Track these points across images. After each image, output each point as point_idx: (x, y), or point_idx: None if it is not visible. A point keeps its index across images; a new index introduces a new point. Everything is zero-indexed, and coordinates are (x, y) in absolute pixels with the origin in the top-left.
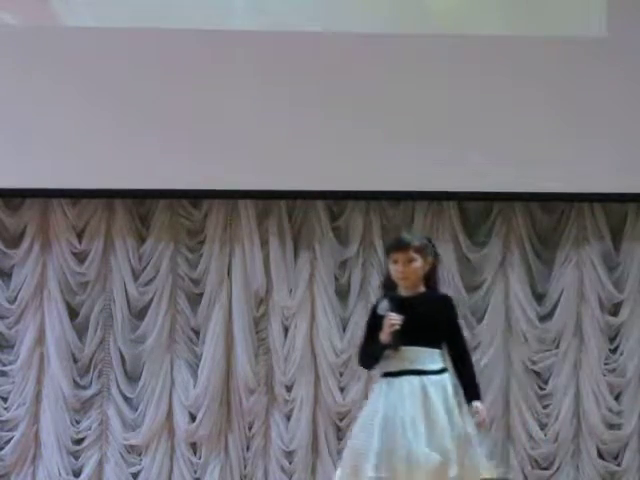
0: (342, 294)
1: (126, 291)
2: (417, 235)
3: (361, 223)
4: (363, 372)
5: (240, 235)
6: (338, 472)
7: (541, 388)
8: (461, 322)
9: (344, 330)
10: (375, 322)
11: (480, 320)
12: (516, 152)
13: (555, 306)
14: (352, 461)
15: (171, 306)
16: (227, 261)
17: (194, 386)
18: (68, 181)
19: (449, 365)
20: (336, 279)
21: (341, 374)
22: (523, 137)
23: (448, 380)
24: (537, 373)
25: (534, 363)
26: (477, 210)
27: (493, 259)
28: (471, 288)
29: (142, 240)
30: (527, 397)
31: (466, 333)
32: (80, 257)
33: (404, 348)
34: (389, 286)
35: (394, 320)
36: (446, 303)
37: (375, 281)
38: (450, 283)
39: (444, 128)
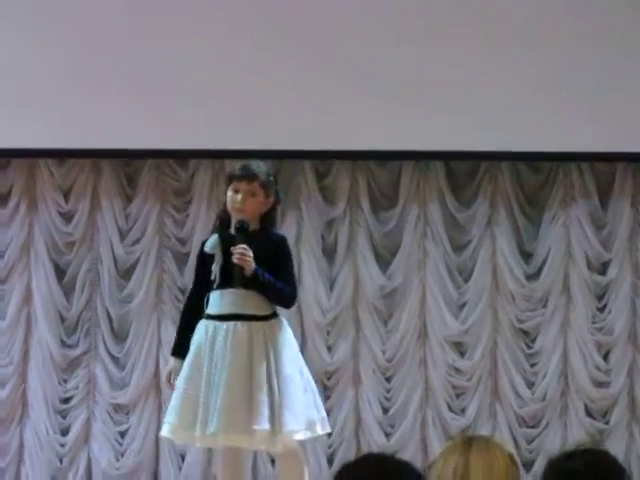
0: (329, 253)
1: (113, 251)
2: (264, 168)
3: (348, 183)
4: (351, 330)
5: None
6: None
7: (529, 347)
8: (294, 266)
9: (331, 289)
10: (202, 262)
11: (467, 279)
12: (503, 111)
13: (542, 265)
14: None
15: (158, 266)
16: (213, 221)
17: None
18: (54, 141)
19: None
20: (323, 238)
21: (328, 333)
22: (510, 96)
23: (278, 326)
24: (525, 332)
25: (521, 322)
26: (464, 170)
27: (480, 218)
28: (458, 247)
29: (129, 200)
30: (514, 356)
31: (453, 292)
32: (67, 217)
33: (230, 290)
34: (224, 219)
35: (247, 250)
36: (278, 244)
37: (362, 241)
38: (437, 242)
39: (431, 88)
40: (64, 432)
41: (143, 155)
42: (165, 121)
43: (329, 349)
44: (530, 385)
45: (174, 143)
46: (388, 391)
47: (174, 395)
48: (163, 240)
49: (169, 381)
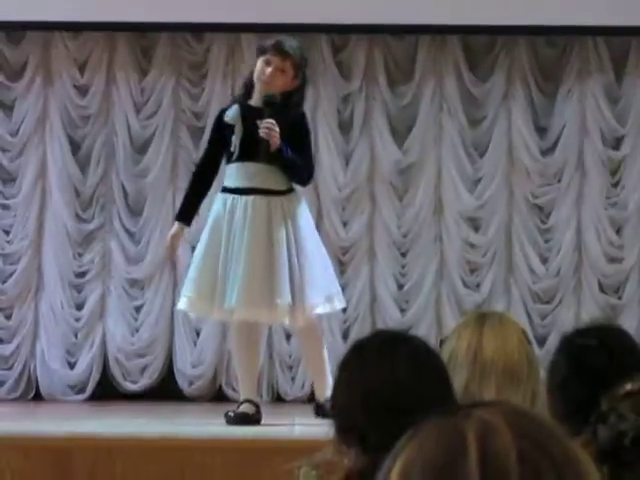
0: (345, 128)
1: (128, 125)
2: (299, 50)
3: (364, 57)
4: (366, 206)
5: (242, 69)
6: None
7: (543, 222)
8: (312, 142)
9: (347, 164)
10: (219, 131)
11: (482, 154)
12: None
13: (557, 140)
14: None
15: (173, 140)
16: (229, 95)
17: (196, 220)
18: (69, 13)
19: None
20: (339, 113)
21: (344, 208)
22: None
23: (296, 201)
24: (539, 207)
25: (536, 197)
26: (480, 44)
27: (496, 93)
28: (474, 122)
29: (144, 73)
30: (529, 231)
31: (468, 167)
32: (82, 90)
33: (250, 163)
34: (248, 88)
35: (275, 125)
36: (298, 119)
37: (378, 116)
38: (453, 117)
39: None
40: (79, 307)
41: (159, 28)
42: None
43: (344, 224)
44: (544, 261)
45: (190, 16)
46: (403, 267)
47: (191, 268)
48: (179, 114)
49: (172, 247)
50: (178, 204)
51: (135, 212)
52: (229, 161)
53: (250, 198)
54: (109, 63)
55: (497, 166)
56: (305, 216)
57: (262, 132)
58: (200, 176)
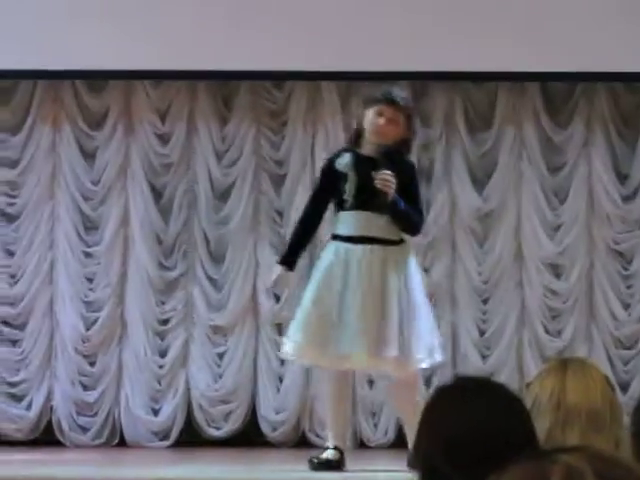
0: (425, 175)
1: (209, 172)
2: (409, 100)
3: (444, 104)
4: (447, 252)
5: (323, 116)
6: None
7: (625, 269)
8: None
9: (428, 211)
10: (329, 178)
11: (563, 201)
12: (599, 31)
13: (638, 186)
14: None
15: (254, 187)
16: (310, 142)
17: None
18: (151, 62)
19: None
20: (419, 161)
21: (425, 255)
22: (607, 16)
23: (407, 252)
24: (620, 254)
25: (617, 243)
26: (560, 91)
27: (576, 140)
28: (554, 169)
29: (225, 122)
30: (610, 277)
31: (549, 214)
32: (163, 139)
33: (364, 212)
34: (354, 140)
35: (392, 176)
36: (410, 170)
37: (459, 162)
38: (533, 164)
39: (528, 8)
40: (162, 354)
41: (239, 76)
42: (261, 42)
43: (426, 271)
44: (626, 307)
45: (270, 64)
46: (484, 313)
47: (299, 313)
48: (259, 162)
49: (273, 288)
50: (259, 251)
51: (217, 259)
52: (341, 209)
53: (367, 247)
54: (190, 111)
55: (577, 212)
56: (415, 267)
57: (379, 184)
58: (307, 223)
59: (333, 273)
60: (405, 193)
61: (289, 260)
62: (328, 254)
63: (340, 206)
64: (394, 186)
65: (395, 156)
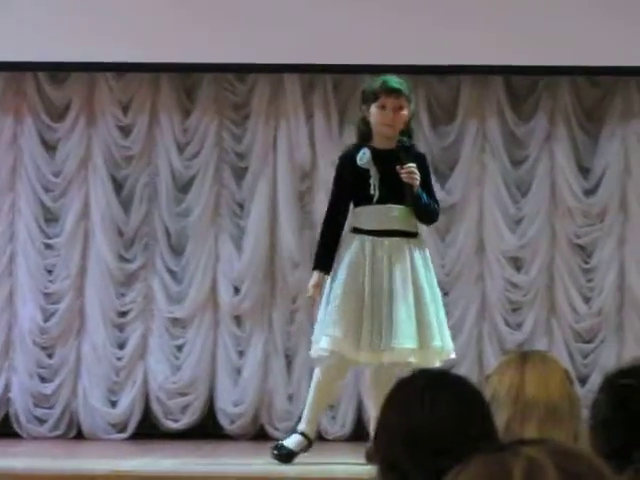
0: None
1: (171, 165)
2: (405, 83)
3: None
4: None
5: (285, 109)
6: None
7: (585, 262)
8: (434, 183)
9: None
10: (351, 175)
11: (525, 194)
12: (562, 26)
13: (600, 180)
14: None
15: (216, 180)
16: (272, 135)
17: (238, 260)
18: (113, 55)
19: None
20: None
21: None
22: (569, 10)
23: (424, 243)
24: (582, 247)
25: (579, 237)
26: (523, 84)
27: (539, 133)
28: (516, 162)
29: (187, 114)
30: (571, 271)
31: (511, 207)
32: (125, 131)
33: (388, 206)
34: (364, 136)
35: (415, 168)
36: (422, 160)
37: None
38: (496, 157)
39: (490, 2)
40: (121, 346)
41: (202, 69)
42: (224, 34)
43: None
44: (586, 300)
45: (233, 57)
46: (445, 305)
47: (330, 309)
48: (221, 154)
49: (314, 297)
50: (220, 244)
51: (177, 251)
52: (365, 203)
53: (394, 240)
54: (152, 104)
55: (539, 206)
56: (430, 259)
57: (405, 177)
58: (334, 223)
59: (360, 267)
60: (421, 183)
61: (324, 264)
62: (353, 248)
63: (364, 201)
64: (419, 178)
65: (411, 148)
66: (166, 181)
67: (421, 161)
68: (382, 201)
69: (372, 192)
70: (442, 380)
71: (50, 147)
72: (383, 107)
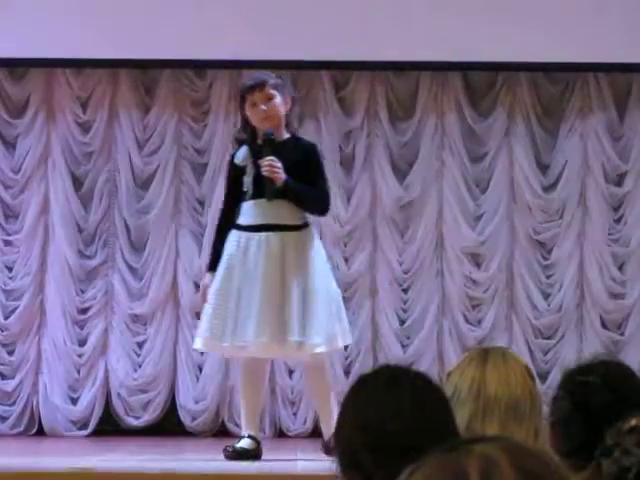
0: (346, 164)
1: (131, 161)
2: (268, 73)
3: (366, 93)
4: (368, 242)
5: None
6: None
7: (545, 258)
8: (325, 173)
9: (348, 201)
10: (233, 175)
11: (484, 191)
12: (521, 21)
13: (559, 177)
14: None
15: (176, 176)
16: (232, 131)
17: (199, 256)
18: (72, 51)
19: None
20: (340, 149)
21: (345, 244)
22: (528, 6)
23: (309, 236)
24: (541, 243)
25: (538, 233)
26: (482, 81)
27: (497, 130)
28: (475, 158)
29: (146, 110)
30: (531, 267)
31: (470, 203)
32: (84, 127)
33: (261, 201)
34: (243, 138)
35: (275, 162)
36: (309, 151)
37: (380, 152)
38: (455, 153)
39: None
40: (82, 343)
41: (161, 65)
42: (183, 30)
43: (346, 261)
44: (546, 296)
45: (192, 53)
46: (405, 302)
47: (205, 308)
48: (181, 150)
49: (204, 297)
50: (180, 240)
51: (138, 248)
52: (243, 200)
53: (263, 235)
54: (111, 100)
55: (499, 202)
56: (318, 251)
57: (264, 171)
58: (222, 222)
59: (233, 264)
60: (307, 173)
61: (212, 264)
62: (230, 245)
63: (243, 198)
64: (281, 170)
65: (290, 139)
66: (126, 177)
67: (309, 150)
68: (257, 197)
69: (245, 189)
70: (402, 377)
71: (9, 143)
72: (254, 104)
